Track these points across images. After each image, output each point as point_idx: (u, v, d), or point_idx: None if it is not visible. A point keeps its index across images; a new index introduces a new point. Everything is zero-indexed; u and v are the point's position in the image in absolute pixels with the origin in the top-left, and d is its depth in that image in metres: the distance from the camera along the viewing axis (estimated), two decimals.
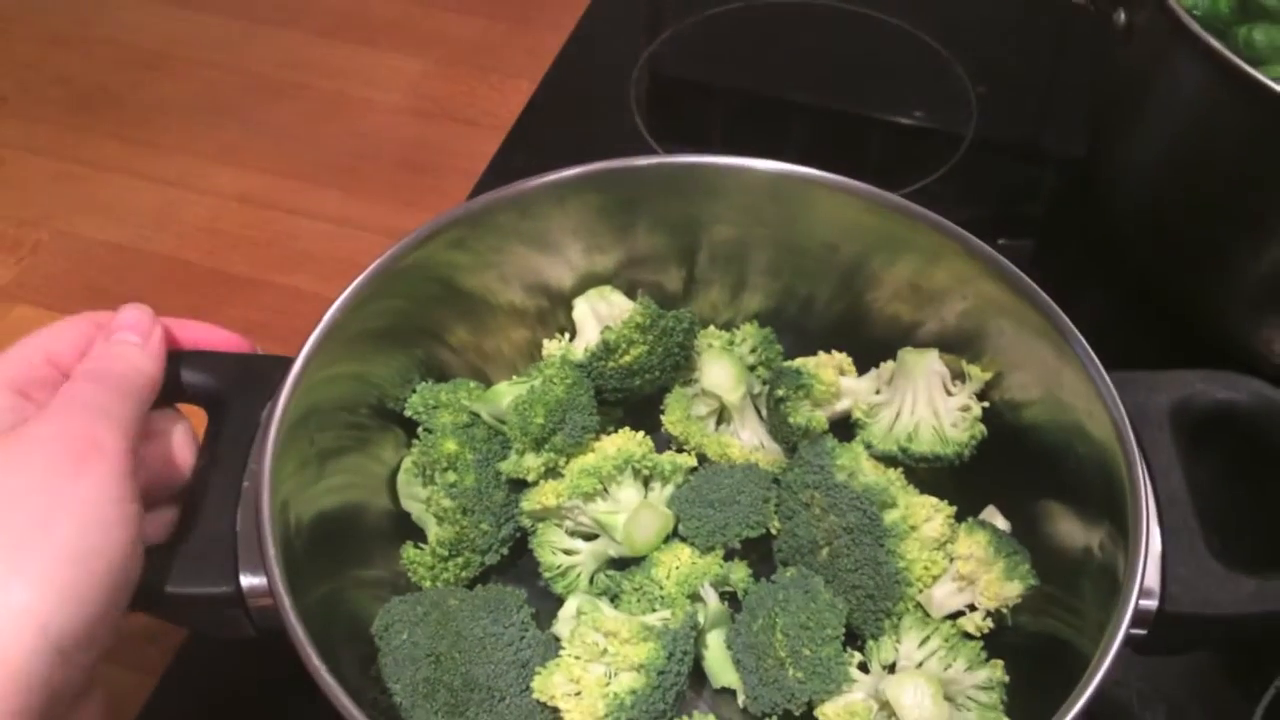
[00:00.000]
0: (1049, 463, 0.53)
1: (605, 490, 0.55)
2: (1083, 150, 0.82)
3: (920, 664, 0.52)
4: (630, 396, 0.60)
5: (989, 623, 0.53)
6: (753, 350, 0.62)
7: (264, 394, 0.49)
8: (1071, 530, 0.52)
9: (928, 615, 0.53)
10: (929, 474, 0.58)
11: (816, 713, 0.51)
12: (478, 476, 0.56)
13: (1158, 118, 0.67)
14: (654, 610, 0.53)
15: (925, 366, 0.57)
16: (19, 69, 0.90)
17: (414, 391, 0.58)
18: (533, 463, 0.55)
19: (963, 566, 0.52)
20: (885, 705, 0.50)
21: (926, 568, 0.53)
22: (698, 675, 0.54)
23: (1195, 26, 0.58)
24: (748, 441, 0.60)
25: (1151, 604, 0.44)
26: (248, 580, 0.44)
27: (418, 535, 0.58)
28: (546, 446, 0.55)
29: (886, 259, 0.58)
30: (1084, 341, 0.49)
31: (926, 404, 0.57)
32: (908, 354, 0.58)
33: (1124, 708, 0.57)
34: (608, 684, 0.49)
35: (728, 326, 0.65)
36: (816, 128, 0.89)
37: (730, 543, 0.55)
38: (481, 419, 0.57)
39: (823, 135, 0.88)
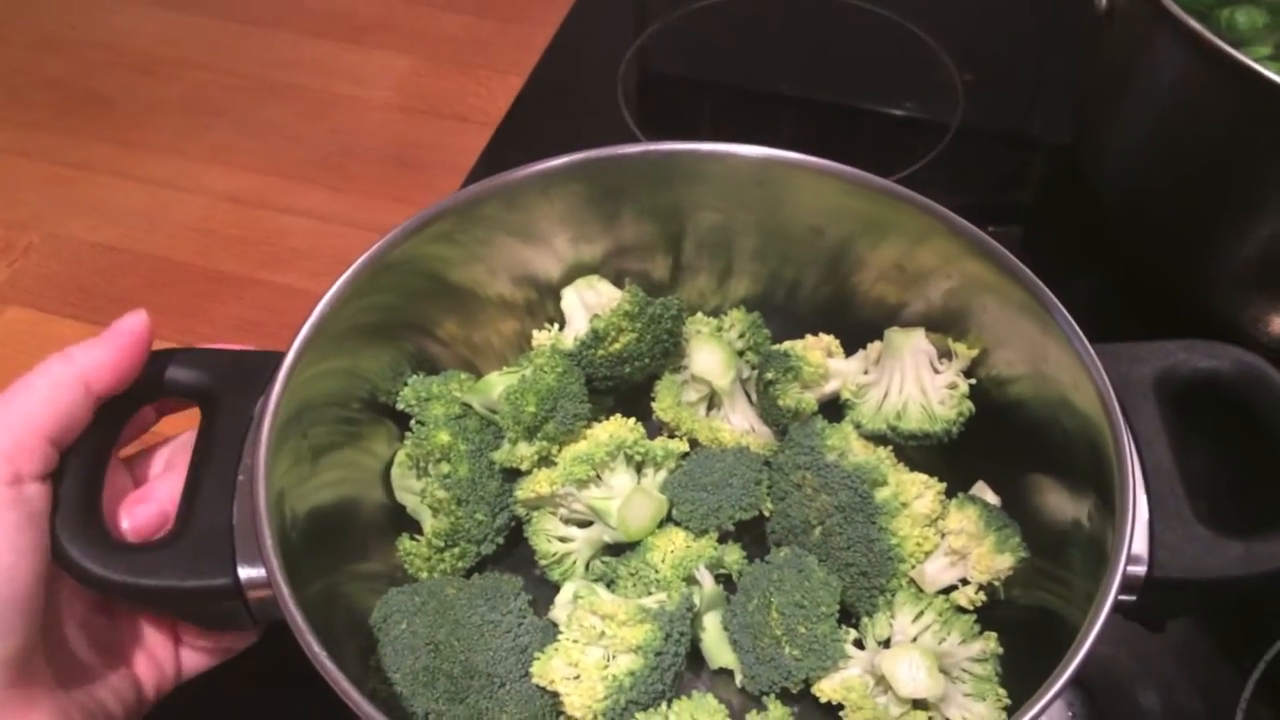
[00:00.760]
0: (1036, 437, 0.53)
1: (599, 477, 0.56)
2: (1070, 137, 0.83)
3: (915, 639, 0.52)
4: (620, 384, 0.60)
5: (982, 596, 0.53)
6: (741, 335, 0.63)
7: (256, 389, 0.49)
8: (1060, 502, 0.52)
9: (921, 591, 0.54)
10: (918, 452, 0.58)
11: (814, 689, 0.52)
12: (471, 467, 0.56)
13: (1141, 101, 0.68)
14: (650, 594, 0.53)
15: (912, 345, 0.57)
16: (9, 73, 0.90)
17: (405, 385, 0.59)
18: (526, 451, 0.55)
19: (954, 541, 0.53)
20: (881, 680, 0.51)
21: (919, 544, 0.53)
22: (695, 657, 0.55)
23: (1176, 9, 0.59)
24: (738, 425, 0.61)
25: (1140, 570, 0.44)
26: (246, 572, 0.44)
27: (413, 528, 0.58)
28: (539, 435, 0.55)
29: (871, 241, 0.59)
30: (1067, 314, 0.50)
31: (914, 382, 0.57)
32: (894, 334, 0.58)
33: (1116, 684, 0.58)
34: (606, 666, 0.49)
35: (715, 313, 0.65)
36: (804, 118, 0.89)
37: (724, 525, 0.56)
38: (473, 410, 0.58)
39: (810, 126, 0.89)
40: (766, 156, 0.57)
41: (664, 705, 0.50)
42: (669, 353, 0.61)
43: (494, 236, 0.59)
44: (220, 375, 0.50)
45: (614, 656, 0.50)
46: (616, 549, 0.57)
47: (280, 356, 0.49)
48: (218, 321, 0.73)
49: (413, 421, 0.58)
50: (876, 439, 0.58)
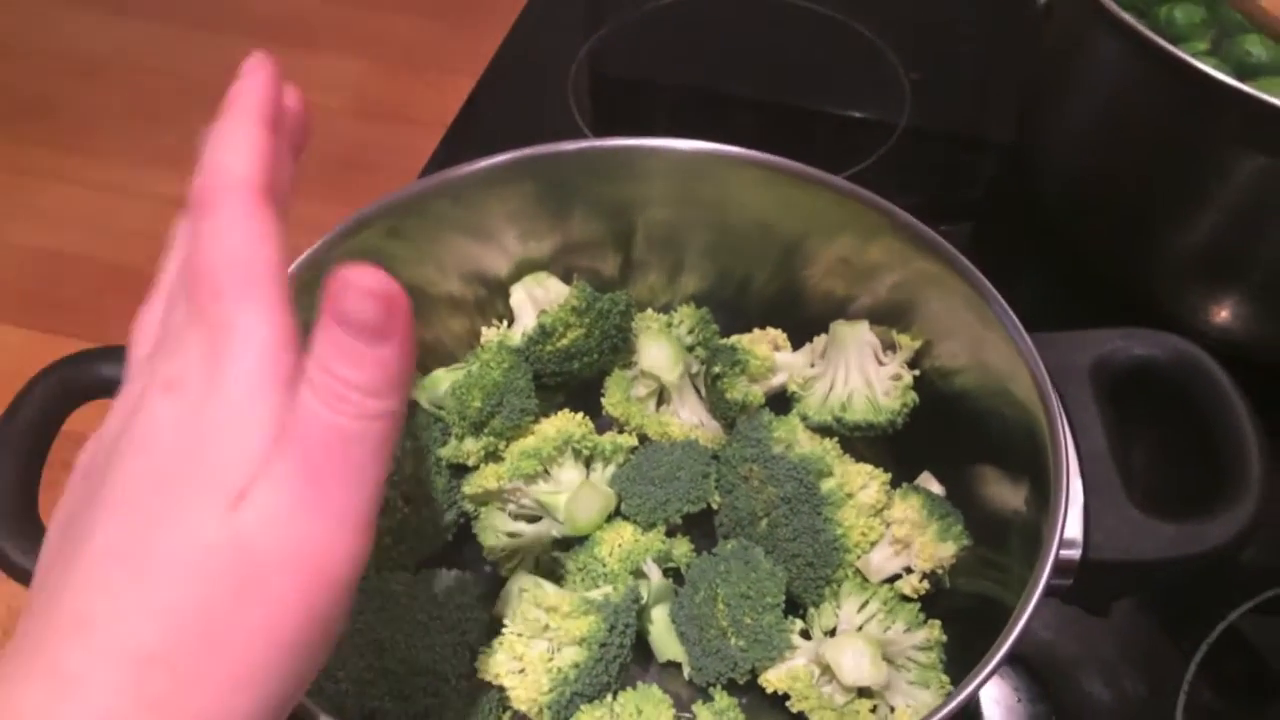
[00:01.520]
0: (978, 427, 0.54)
1: (546, 472, 0.56)
2: (1014, 136, 0.84)
3: (860, 627, 0.53)
4: (569, 380, 0.60)
5: (926, 585, 0.54)
6: (690, 331, 0.63)
7: None
8: (1000, 491, 0.53)
9: (866, 580, 0.54)
10: (865, 443, 0.59)
11: (760, 680, 0.52)
12: (416, 464, 0.56)
13: (1081, 97, 0.69)
14: (598, 587, 0.53)
15: (857, 338, 0.58)
16: None
17: None
18: (472, 447, 0.55)
19: (898, 530, 0.53)
20: (826, 669, 0.51)
21: (864, 534, 0.54)
22: (644, 651, 0.55)
23: (1113, 6, 0.59)
24: (687, 420, 0.61)
25: (1074, 553, 0.45)
26: None
27: None
28: (485, 430, 0.55)
29: (819, 237, 0.59)
30: (1005, 305, 0.50)
31: (859, 374, 0.58)
32: (839, 326, 0.59)
33: (1061, 669, 0.58)
34: (550, 659, 0.49)
35: (666, 309, 0.65)
36: (754, 119, 0.90)
37: (672, 519, 0.56)
38: (420, 406, 0.58)
39: (761, 126, 0.89)
40: (702, 150, 0.57)
41: (609, 697, 0.50)
42: (618, 348, 0.61)
43: (442, 234, 0.59)
44: None
45: (559, 649, 0.50)
46: (565, 544, 0.57)
47: None
48: None
49: None
50: (823, 430, 0.58)
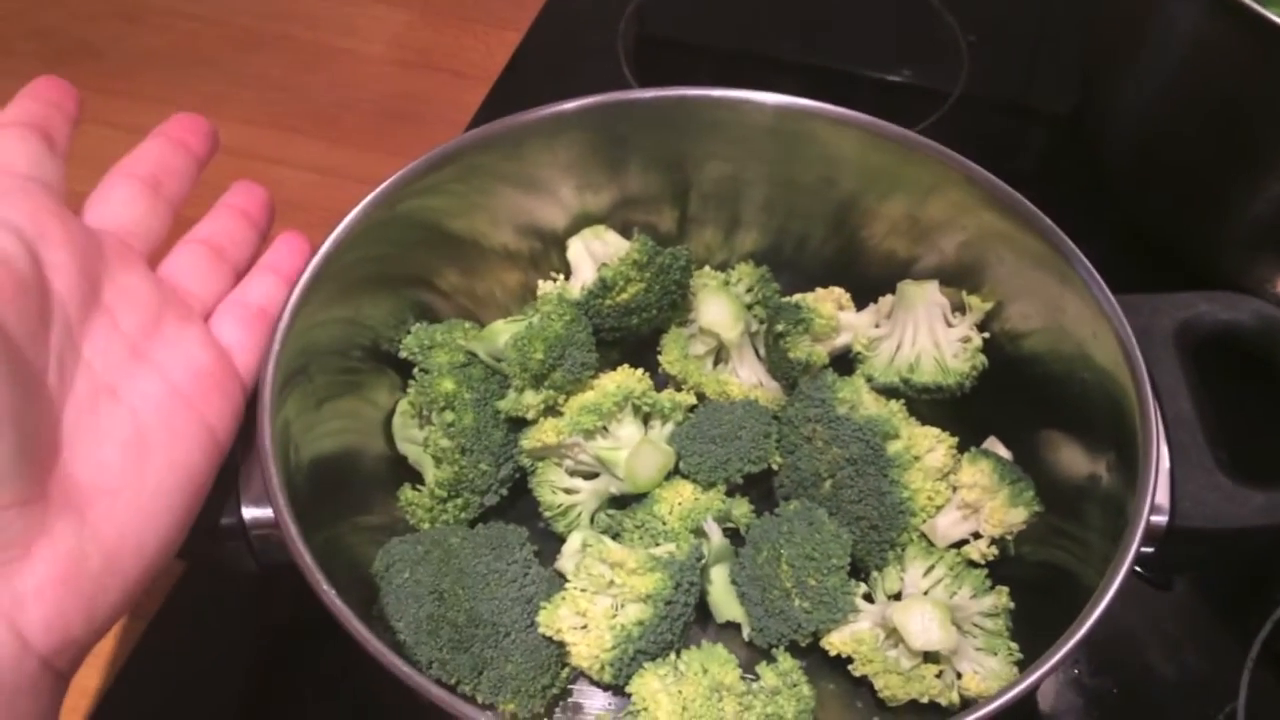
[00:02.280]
0: (1051, 391, 0.53)
1: (605, 428, 0.55)
2: (1069, 106, 0.82)
3: (925, 592, 0.52)
4: (627, 336, 0.59)
5: (994, 550, 0.53)
6: (749, 289, 0.62)
7: None
8: (1074, 457, 0.52)
9: (931, 545, 0.53)
10: (928, 407, 0.58)
11: (823, 643, 0.51)
12: (476, 415, 0.55)
13: (1153, 59, 0.67)
14: (658, 546, 0.53)
15: (925, 298, 0.57)
16: None
17: (408, 333, 0.57)
18: (532, 400, 0.54)
19: (967, 494, 0.52)
20: (892, 633, 0.50)
21: (930, 498, 0.53)
22: (701, 611, 0.54)
23: None
24: (746, 379, 0.60)
25: (1161, 519, 0.44)
26: (250, 512, 0.43)
27: (415, 479, 0.57)
28: (546, 383, 0.54)
29: (883, 192, 0.58)
30: (1088, 264, 0.49)
31: (927, 335, 0.56)
32: (908, 286, 0.57)
33: (1122, 643, 0.57)
34: (614, 616, 0.48)
35: (722, 267, 0.64)
36: (804, 81, 0.88)
37: (732, 478, 0.55)
38: (478, 358, 0.57)
39: (810, 87, 0.87)
40: (784, 104, 0.56)
41: (673, 655, 0.49)
42: (676, 305, 0.60)
43: (495, 186, 0.58)
44: None
45: (622, 606, 0.49)
46: (622, 501, 0.57)
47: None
48: None
49: (416, 370, 0.56)
50: (888, 392, 0.57)
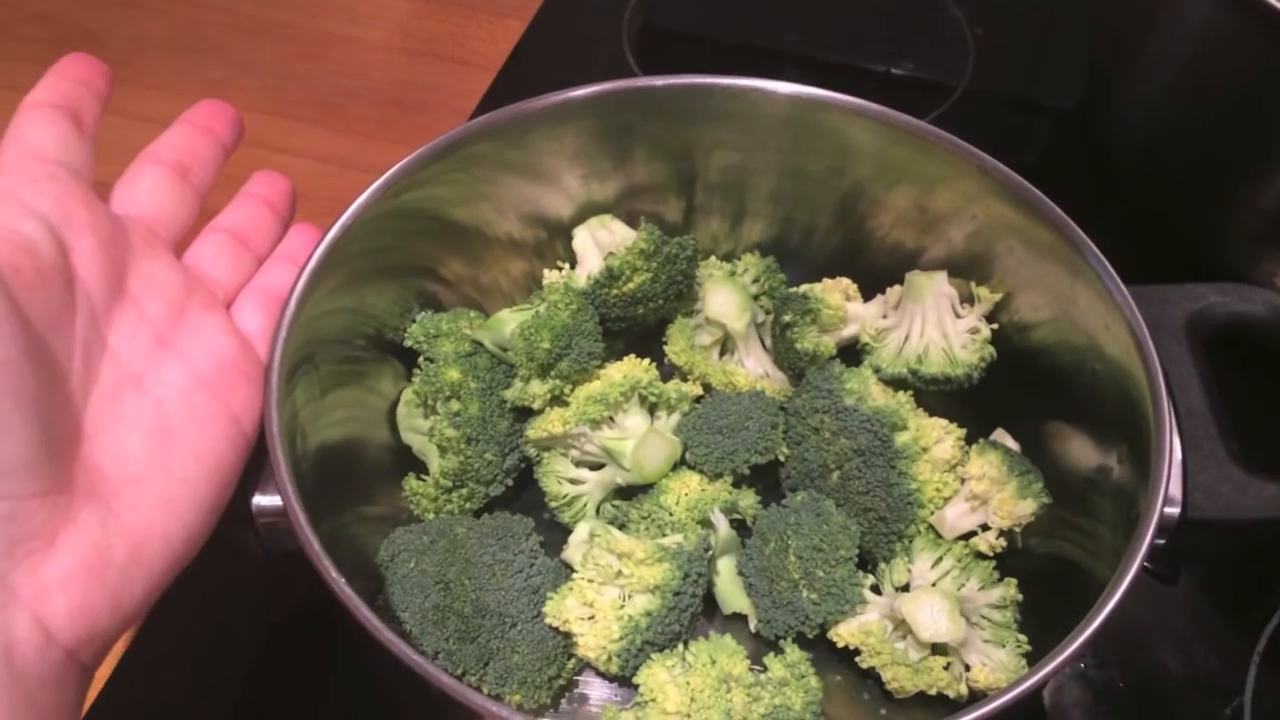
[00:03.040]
0: (1061, 383, 0.53)
1: (612, 418, 0.55)
2: (1079, 98, 0.81)
3: (934, 584, 0.51)
4: (633, 326, 0.59)
5: (1002, 542, 0.52)
6: (755, 280, 0.61)
7: None
8: (1084, 449, 0.51)
9: (939, 537, 0.53)
10: (936, 399, 0.57)
11: (830, 634, 0.51)
12: (481, 405, 0.55)
13: (1161, 49, 0.66)
14: (665, 536, 0.52)
15: (934, 289, 0.56)
16: None
17: (413, 321, 0.57)
18: (538, 389, 0.54)
19: (975, 486, 0.52)
20: (900, 624, 0.50)
21: (938, 489, 0.53)
22: (708, 602, 0.53)
23: None
24: (753, 370, 0.59)
25: (1174, 511, 0.43)
26: (257, 500, 0.43)
27: (419, 469, 0.57)
28: (552, 373, 0.54)
29: (892, 182, 0.57)
30: (1100, 255, 0.49)
31: (935, 326, 0.56)
32: (916, 277, 0.57)
33: (1130, 636, 0.57)
34: (622, 607, 0.48)
35: (728, 257, 0.64)
36: (808, 72, 0.87)
37: (739, 469, 0.55)
38: (484, 348, 0.56)
39: (814, 80, 0.87)
40: (795, 93, 0.55)
41: (680, 646, 0.49)
42: (682, 295, 0.59)
43: (500, 174, 0.57)
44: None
45: (630, 596, 0.48)
46: (628, 492, 0.56)
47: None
48: None
49: (421, 359, 0.56)
50: (896, 383, 0.57)
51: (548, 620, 0.49)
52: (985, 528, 0.53)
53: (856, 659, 0.51)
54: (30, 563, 0.34)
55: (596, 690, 0.52)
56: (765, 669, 0.49)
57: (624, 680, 0.49)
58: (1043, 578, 0.52)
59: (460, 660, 0.48)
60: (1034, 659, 0.49)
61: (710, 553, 0.51)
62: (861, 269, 0.61)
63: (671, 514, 0.53)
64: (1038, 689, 0.41)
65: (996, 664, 0.49)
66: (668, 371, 0.60)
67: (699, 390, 0.58)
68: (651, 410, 0.56)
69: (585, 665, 0.51)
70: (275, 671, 0.55)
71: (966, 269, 0.57)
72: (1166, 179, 0.70)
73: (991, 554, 0.52)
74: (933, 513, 0.53)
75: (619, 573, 0.48)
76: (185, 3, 0.88)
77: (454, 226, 0.58)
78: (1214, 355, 0.49)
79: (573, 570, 0.51)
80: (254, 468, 0.44)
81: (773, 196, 0.61)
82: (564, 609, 0.48)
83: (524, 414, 0.56)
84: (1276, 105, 0.59)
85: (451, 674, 0.48)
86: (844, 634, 0.50)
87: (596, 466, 0.56)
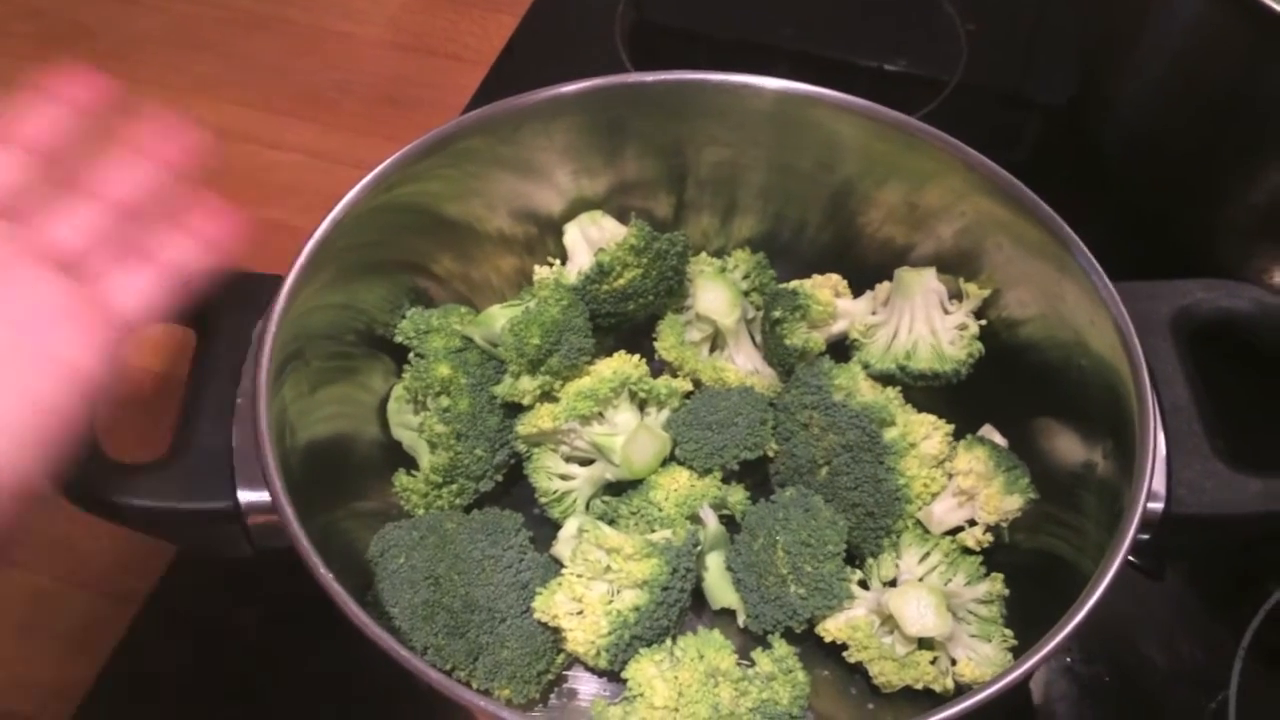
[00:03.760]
0: (1048, 378, 0.53)
1: (602, 414, 0.55)
2: (1070, 94, 0.81)
3: (921, 579, 0.52)
4: (623, 322, 0.59)
5: (989, 538, 0.53)
6: (745, 276, 0.62)
7: (253, 313, 0.48)
8: (1070, 445, 0.52)
9: (927, 532, 0.53)
10: (924, 395, 0.57)
11: (818, 629, 0.51)
12: (472, 401, 0.55)
13: (1152, 46, 0.67)
14: (654, 532, 0.52)
15: (922, 285, 0.56)
16: None
17: (403, 318, 0.57)
18: (528, 385, 0.54)
19: (963, 481, 0.52)
20: (887, 620, 0.50)
21: (926, 484, 0.53)
22: (697, 597, 0.54)
23: None
24: (742, 366, 0.60)
25: (1158, 506, 0.44)
26: (245, 496, 0.43)
27: (409, 464, 0.57)
28: (543, 369, 0.54)
29: (881, 178, 0.58)
30: (1087, 252, 0.49)
31: (924, 322, 0.56)
32: (905, 273, 0.57)
33: (1116, 631, 0.57)
34: (610, 601, 0.48)
35: (719, 254, 0.64)
36: (800, 68, 0.87)
37: (728, 465, 0.55)
38: (474, 343, 0.56)
39: (807, 76, 0.87)
40: (784, 89, 0.55)
41: (668, 641, 0.49)
42: (673, 291, 0.60)
43: (492, 170, 0.57)
44: (217, 297, 0.48)
45: (619, 591, 0.49)
46: (617, 488, 0.56)
47: (278, 280, 0.48)
48: None
49: (411, 355, 0.56)
50: (884, 379, 0.57)
51: (537, 615, 0.49)
52: (972, 523, 0.53)
53: (844, 654, 0.51)
54: None
55: (585, 685, 0.52)
56: (753, 664, 0.50)
57: (613, 675, 0.50)
58: (1029, 572, 0.52)
59: (450, 655, 0.49)
60: (1020, 653, 0.49)
61: (699, 548, 0.51)
62: (851, 265, 0.61)
63: (661, 509, 0.54)
64: (1023, 682, 0.41)
65: (982, 658, 0.49)
66: (658, 367, 0.60)
67: (689, 386, 0.58)
68: (641, 406, 0.57)
69: (574, 660, 0.51)
70: (265, 665, 0.55)
71: (955, 265, 0.57)
72: (1158, 175, 0.70)
73: (978, 549, 0.53)
74: (920, 508, 0.53)
75: (608, 568, 0.48)
76: None
77: (445, 222, 0.58)
78: (1200, 351, 0.49)
79: (562, 565, 0.51)
80: (240, 463, 0.44)
81: (763, 192, 0.62)
82: (553, 604, 0.49)
83: (514, 409, 0.56)
84: (1267, 101, 0.59)
85: (441, 669, 0.48)
86: (831, 629, 0.51)
87: (586, 462, 0.56)
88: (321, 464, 0.51)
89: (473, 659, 0.49)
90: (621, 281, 0.56)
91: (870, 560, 0.53)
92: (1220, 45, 0.61)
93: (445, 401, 0.54)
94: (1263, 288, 0.64)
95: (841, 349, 0.60)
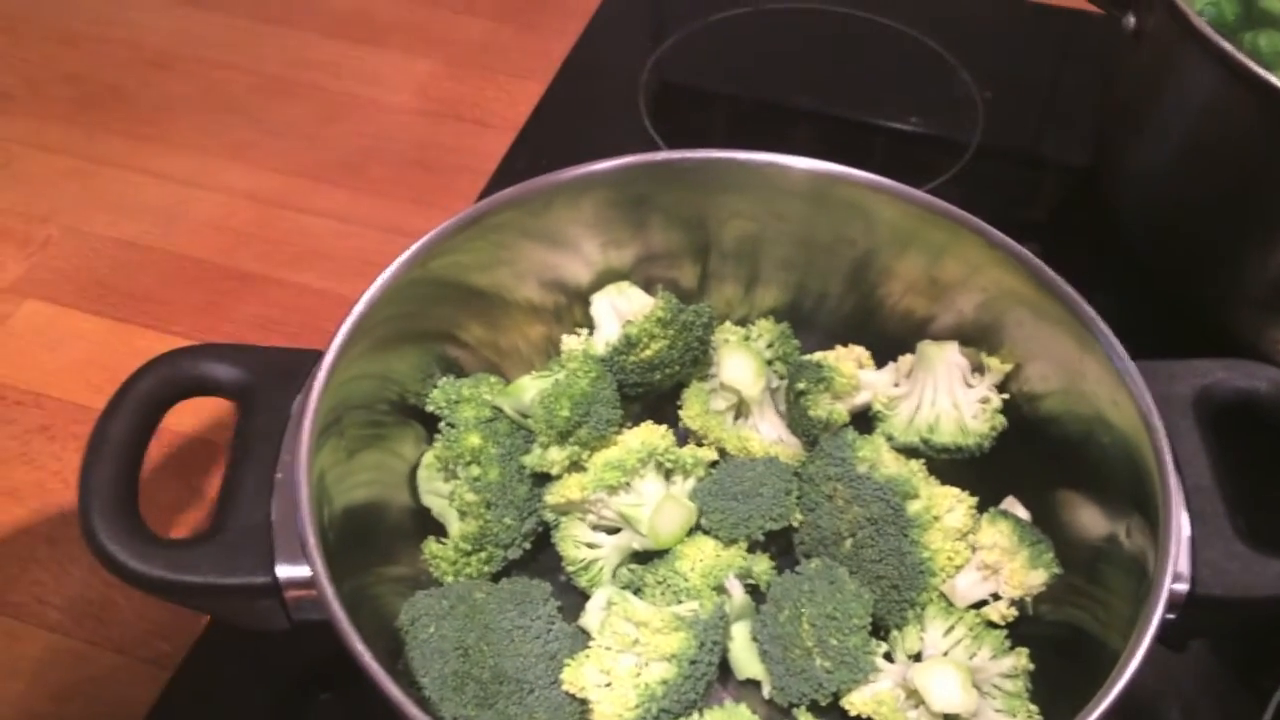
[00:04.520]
0: (1070, 453, 0.54)
1: (628, 484, 0.56)
2: (1086, 158, 0.83)
3: (945, 653, 0.52)
4: (649, 391, 0.60)
5: (1013, 611, 0.53)
6: (769, 345, 0.63)
7: (292, 387, 0.49)
8: (1093, 519, 0.52)
9: (951, 605, 0.54)
10: (947, 466, 0.58)
11: (843, 702, 0.52)
12: (501, 470, 0.56)
13: (1167, 120, 0.68)
14: (680, 602, 0.53)
15: (945, 359, 0.57)
16: (29, 67, 0.90)
17: (435, 387, 0.58)
18: (557, 456, 0.55)
19: (987, 555, 0.53)
20: (913, 694, 0.50)
21: (950, 558, 0.53)
22: (723, 667, 0.54)
23: (1206, 29, 0.59)
24: (767, 435, 0.60)
25: (1183, 588, 0.44)
26: (284, 571, 0.44)
27: (438, 531, 0.58)
28: (572, 439, 0.55)
29: (903, 252, 0.59)
30: (1108, 331, 0.50)
31: (947, 395, 0.57)
32: (927, 346, 0.58)
33: (1140, 703, 0.58)
34: (639, 674, 0.49)
35: (743, 323, 0.65)
36: (823, 132, 0.89)
37: (754, 535, 0.56)
38: (504, 413, 0.57)
39: (829, 140, 0.89)
40: (814, 170, 0.57)
41: (696, 715, 0.50)
42: (698, 361, 0.61)
43: (521, 241, 0.59)
44: (258, 372, 0.50)
45: (647, 664, 0.49)
46: (644, 557, 0.57)
47: (318, 354, 0.49)
48: (238, 320, 0.73)
49: (442, 424, 0.57)
50: (908, 451, 0.58)
51: (565, 687, 0.50)
52: (996, 597, 0.53)
53: None
54: None
55: None
56: None
57: None
58: (1055, 645, 0.53)
59: None
60: None
61: (726, 620, 0.52)
62: (873, 335, 0.62)
63: (687, 579, 0.54)
64: None
65: None
66: (683, 435, 0.61)
67: (714, 455, 0.59)
68: (667, 476, 0.58)
69: None
70: None
71: (976, 338, 0.58)
72: (1174, 245, 0.71)
73: (1003, 623, 0.53)
74: (945, 581, 0.54)
75: (636, 641, 0.49)
76: (214, 64, 0.90)
77: (475, 292, 0.59)
78: (1221, 431, 0.49)
79: (590, 636, 0.52)
80: (280, 535, 0.45)
81: (785, 264, 0.63)
82: (581, 676, 0.49)
83: (542, 479, 0.57)
84: (1278, 175, 0.60)
85: None
86: (857, 702, 0.51)
87: (613, 531, 0.57)
88: (355, 531, 0.52)
89: None
90: (648, 353, 0.57)
91: (895, 633, 0.54)
92: (1232, 121, 0.62)
93: (475, 471, 0.55)
94: (1277, 361, 0.66)
95: (865, 420, 0.61)
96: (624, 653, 0.49)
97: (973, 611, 0.53)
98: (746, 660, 0.54)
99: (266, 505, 0.45)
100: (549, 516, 0.57)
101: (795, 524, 0.57)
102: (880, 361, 0.62)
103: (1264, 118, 0.59)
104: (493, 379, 0.59)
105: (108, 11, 0.94)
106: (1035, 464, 0.56)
